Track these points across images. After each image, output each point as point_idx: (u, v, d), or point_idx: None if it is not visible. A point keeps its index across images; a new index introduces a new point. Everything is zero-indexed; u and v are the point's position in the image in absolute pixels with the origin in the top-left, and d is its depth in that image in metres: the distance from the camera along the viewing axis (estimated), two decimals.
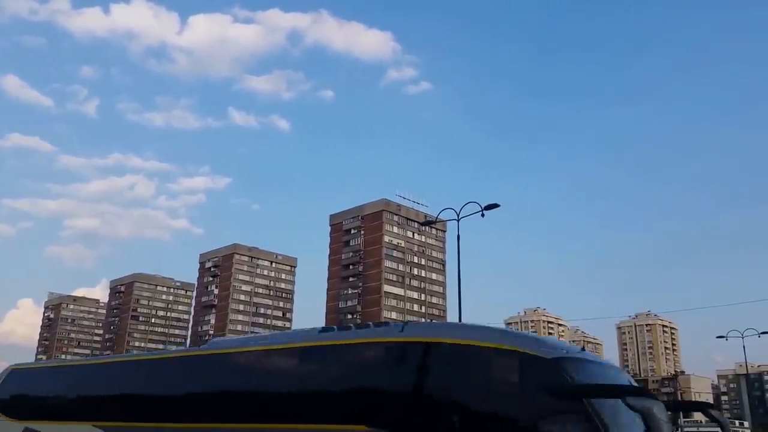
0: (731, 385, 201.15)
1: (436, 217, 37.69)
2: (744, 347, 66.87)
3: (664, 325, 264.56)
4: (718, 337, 69.35)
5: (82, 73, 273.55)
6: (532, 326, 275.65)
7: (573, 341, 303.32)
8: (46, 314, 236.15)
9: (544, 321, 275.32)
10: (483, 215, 31.10)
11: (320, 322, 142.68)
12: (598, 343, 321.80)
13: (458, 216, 31.73)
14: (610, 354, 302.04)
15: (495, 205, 30.87)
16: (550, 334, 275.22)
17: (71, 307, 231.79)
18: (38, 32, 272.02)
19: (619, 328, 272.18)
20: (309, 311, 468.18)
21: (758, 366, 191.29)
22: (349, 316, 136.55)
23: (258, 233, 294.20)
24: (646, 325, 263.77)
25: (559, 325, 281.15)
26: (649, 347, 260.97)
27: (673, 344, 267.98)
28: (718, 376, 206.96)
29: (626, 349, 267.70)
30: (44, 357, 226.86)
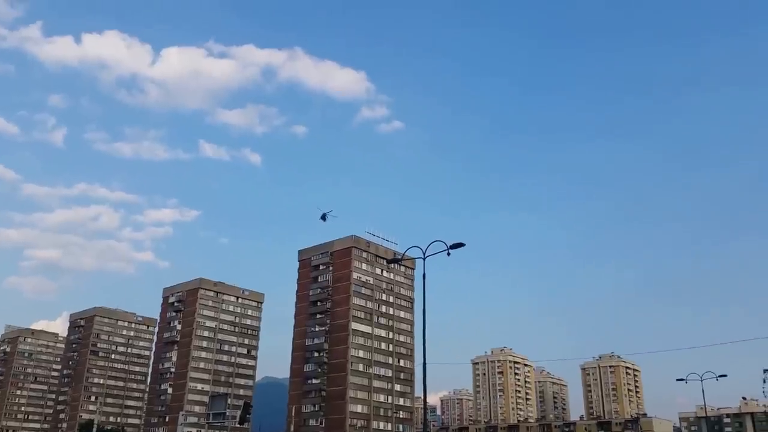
0: (693, 428, 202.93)
1: (403, 255, 38.23)
2: (703, 390, 67.71)
3: (627, 367, 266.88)
4: (678, 380, 70.31)
5: (50, 101, 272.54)
6: (498, 366, 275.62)
7: (538, 382, 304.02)
8: (2, 348, 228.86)
9: (510, 361, 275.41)
10: (449, 254, 31.41)
11: (287, 360, 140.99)
12: (563, 384, 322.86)
13: (424, 254, 32.06)
14: (575, 395, 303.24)
15: (460, 245, 31.24)
16: (516, 374, 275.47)
17: (29, 340, 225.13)
18: (6, 59, 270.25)
19: (583, 369, 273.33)
20: (275, 348, 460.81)
21: (718, 409, 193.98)
22: (316, 354, 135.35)
23: (226, 267, 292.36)
24: (610, 366, 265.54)
25: (525, 365, 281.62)
26: (613, 389, 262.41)
27: (636, 386, 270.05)
28: (680, 418, 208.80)
29: (590, 391, 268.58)
30: None
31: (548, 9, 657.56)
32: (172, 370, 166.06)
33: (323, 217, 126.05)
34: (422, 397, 31.42)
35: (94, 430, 72.92)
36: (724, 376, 68.19)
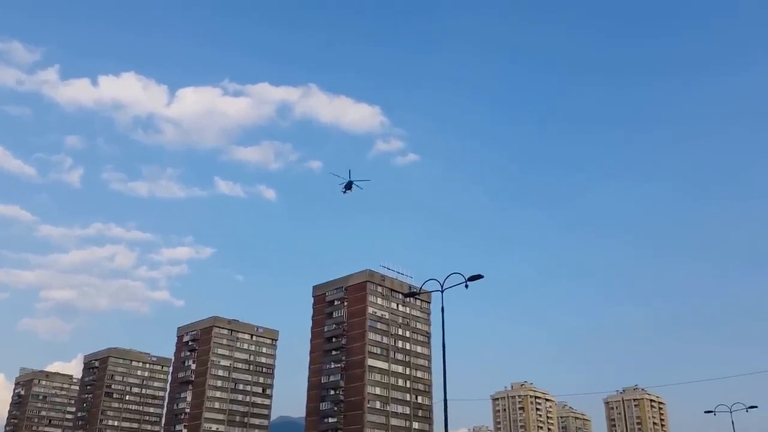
0: None
1: (420, 288, 37.35)
2: (732, 422, 65.35)
3: (652, 400, 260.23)
4: (706, 412, 68.70)
5: (67, 142, 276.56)
6: (519, 401, 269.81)
7: (561, 417, 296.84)
8: (16, 391, 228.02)
9: (531, 396, 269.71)
10: (467, 286, 31.02)
11: (302, 399, 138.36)
12: (586, 419, 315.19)
13: (442, 287, 31.41)
14: (599, 430, 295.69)
15: (479, 276, 30.71)
16: (537, 409, 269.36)
17: (43, 383, 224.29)
18: (24, 102, 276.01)
19: (606, 403, 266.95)
20: (290, 387, 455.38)
21: None
22: (332, 392, 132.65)
23: (241, 305, 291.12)
24: (634, 399, 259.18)
25: (547, 400, 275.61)
26: (638, 423, 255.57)
27: (661, 420, 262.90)
28: None
29: (614, 425, 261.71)
30: None
31: (557, 44, 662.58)
32: (187, 410, 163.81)
33: (348, 187, 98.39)
34: None
35: None
36: (755, 407, 66.27)
